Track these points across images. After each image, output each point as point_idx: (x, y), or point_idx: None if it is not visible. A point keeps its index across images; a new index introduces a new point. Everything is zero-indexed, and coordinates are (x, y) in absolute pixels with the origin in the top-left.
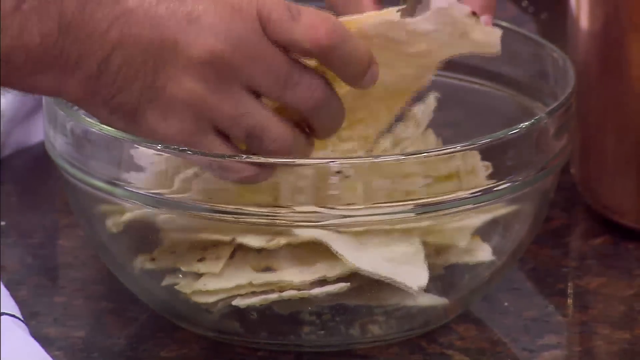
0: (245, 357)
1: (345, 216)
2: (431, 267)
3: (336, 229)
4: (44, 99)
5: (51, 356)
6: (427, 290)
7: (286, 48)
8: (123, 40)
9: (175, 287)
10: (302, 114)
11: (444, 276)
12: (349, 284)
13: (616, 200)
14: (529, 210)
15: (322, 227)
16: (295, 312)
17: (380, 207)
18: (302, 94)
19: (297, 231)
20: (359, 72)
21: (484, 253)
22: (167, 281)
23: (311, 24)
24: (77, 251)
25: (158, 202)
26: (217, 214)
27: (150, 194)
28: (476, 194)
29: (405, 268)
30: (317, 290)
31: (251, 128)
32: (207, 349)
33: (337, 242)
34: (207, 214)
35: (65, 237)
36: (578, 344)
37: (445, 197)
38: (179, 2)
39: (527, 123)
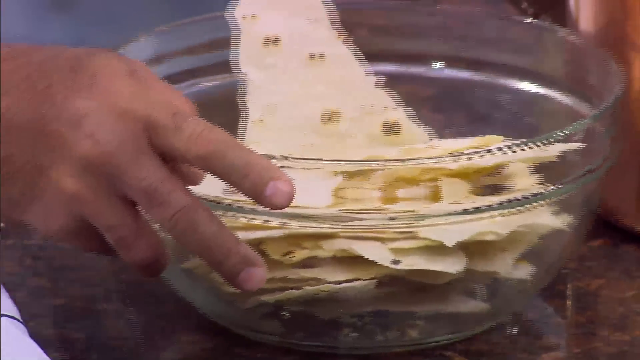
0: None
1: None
2: (477, 275)
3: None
4: None
5: (50, 358)
6: (470, 296)
7: (169, 156)
8: (7, 135)
9: (211, 274)
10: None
11: (488, 284)
12: (375, 280)
13: (615, 201)
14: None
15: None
16: (336, 317)
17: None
18: (164, 215)
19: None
20: (251, 185)
21: (523, 272)
22: (187, 264)
23: (193, 133)
24: (76, 253)
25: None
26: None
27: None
28: (524, 198)
29: (441, 258)
30: (343, 286)
31: (121, 239)
32: (207, 350)
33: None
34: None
35: None
36: (577, 345)
37: (492, 198)
38: (66, 100)
39: (576, 124)
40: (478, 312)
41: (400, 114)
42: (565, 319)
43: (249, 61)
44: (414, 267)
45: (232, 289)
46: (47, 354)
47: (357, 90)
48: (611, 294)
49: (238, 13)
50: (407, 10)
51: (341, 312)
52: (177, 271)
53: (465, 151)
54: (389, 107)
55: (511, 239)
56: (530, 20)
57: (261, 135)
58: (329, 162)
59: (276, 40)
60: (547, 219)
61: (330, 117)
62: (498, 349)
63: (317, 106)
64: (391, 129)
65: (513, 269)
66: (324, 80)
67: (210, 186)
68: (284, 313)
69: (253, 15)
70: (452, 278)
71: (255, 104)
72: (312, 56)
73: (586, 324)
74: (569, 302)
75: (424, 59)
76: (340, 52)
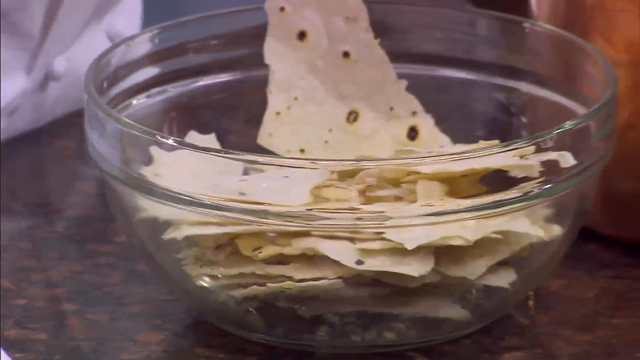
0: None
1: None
2: (452, 280)
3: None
4: (85, 98)
5: (12, 359)
6: (451, 301)
7: None
8: None
9: (184, 267)
10: None
11: (468, 290)
12: (340, 280)
13: None
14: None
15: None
16: (317, 316)
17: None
18: None
19: (295, 241)
20: None
21: (503, 280)
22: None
23: None
24: (40, 253)
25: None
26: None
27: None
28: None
29: (407, 260)
30: (307, 284)
31: None
32: (167, 351)
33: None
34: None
35: (27, 240)
36: (540, 345)
37: (491, 197)
38: None
39: (570, 122)
40: (457, 318)
41: (427, 121)
42: (528, 319)
43: (275, 53)
44: (377, 269)
45: (204, 283)
46: (9, 355)
47: (387, 93)
48: (573, 294)
49: (268, 5)
50: (397, 9)
51: (324, 311)
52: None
53: (441, 155)
54: (418, 113)
55: (484, 245)
56: (522, 19)
57: (277, 127)
58: (298, 160)
59: (307, 35)
60: (524, 226)
61: (356, 117)
62: (460, 349)
63: (344, 105)
64: (417, 134)
65: (495, 276)
66: (354, 80)
67: (185, 183)
68: (251, 309)
69: (282, 8)
70: (424, 282)
71: (276, 96)
72: (345, 55)
73: (549, 324)
74: (531, 302)
75: (415, 58)
76: (375, 54)
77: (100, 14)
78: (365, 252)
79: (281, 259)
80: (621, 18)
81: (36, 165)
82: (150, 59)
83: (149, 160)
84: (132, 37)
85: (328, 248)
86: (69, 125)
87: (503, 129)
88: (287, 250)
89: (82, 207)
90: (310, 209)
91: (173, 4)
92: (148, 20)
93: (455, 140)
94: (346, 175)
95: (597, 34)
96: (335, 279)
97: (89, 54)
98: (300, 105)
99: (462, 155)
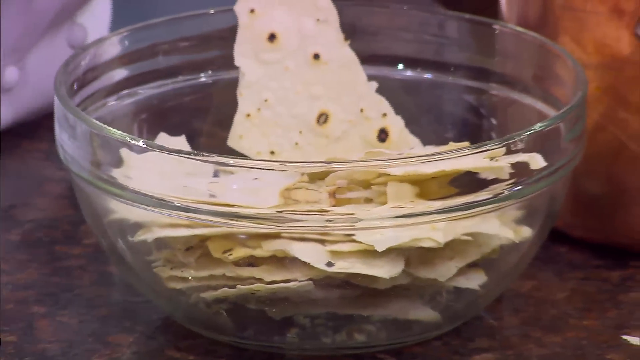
0: None
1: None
2: (422, 282)
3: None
4: (55, 100)
5: None
6: (422, 303)
7: None
8: None
9: (154, 269)
10: None
11: (438, 292)
12: (310, 282)
13: None
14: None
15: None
16: (288, 317)
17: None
18: None
19: (265, 243)
20: None
21: (473, 281)
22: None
23: None
24: (8, 256)
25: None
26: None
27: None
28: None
29: (377, 262)
30: (277, 286)
31: None
32: (137, 353)
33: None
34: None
35: None
36: (509, 347)
37: (462, 199)
38: None
39: (540, 124)
40: (427, 320)
41: (398, 123)
42: (498, 321)
43: (245, 55)
44: (347, 270)
45: (175, 285)
46: None
47: (357, 95)
48: (543, 296)
49: (238, 6)
50: (367, 11)
51: (294, 312)
52: (128, 267)
53: (412, 156)
54: (388, 114)
55: (455, 247)
56: (492, 21)
57: (247, 129)
58: (269, 162)
59: (278, 37)
60: (494, 228)
61: (326, 118)
62: (430, 351)
63: (314, 106)
64: (387, 136)
65: (465, 277)
66: (324, 82)
67: (156, 185)
68: (221, 311)
69: (252, 10)
70: (394, 284)
71: (246, 98)
72: (315, 56)
73: (519, 326)
74: (501, 304)
75: (385, 60)
76: (345, 55)
77: (60, 23)
78: (336, 254)
79: (251, 261)
80: (590, 20)
81: (5, 167)
82: (120, 60)
83: (119, 162)
84: (102, 39)
85: (298, 250)
86: (39, 127)
87: (473, 131)
88: (257, 252)
89: (52, 209)
90: (281, 211)
91: (142, 6)
92: (117, 21)
93: (426, 142)
94: (316, 177)
95: (567, 35)
96: (305, 280)
97: (47, 64)
98: (270, 107)
99: (432, 157)
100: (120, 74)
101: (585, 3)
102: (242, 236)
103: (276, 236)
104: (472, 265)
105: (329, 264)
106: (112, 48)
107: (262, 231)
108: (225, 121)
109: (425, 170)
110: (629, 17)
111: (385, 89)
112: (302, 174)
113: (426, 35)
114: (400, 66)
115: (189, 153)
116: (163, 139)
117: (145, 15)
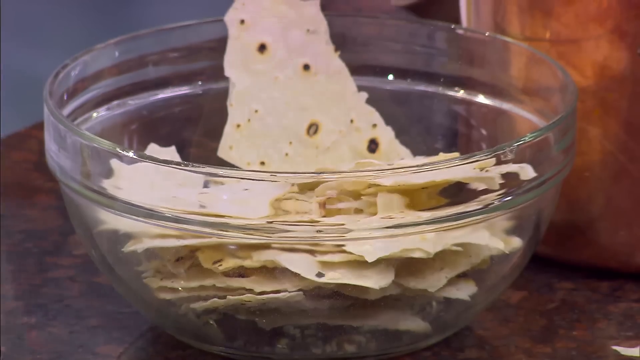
0: None
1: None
2: (411, 293)
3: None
4: (45, 111)
5: None
6: (412, 313)
7: None
8: None
9: (144, 280)
10: None
11: (429, 302)
12: (300, 293)
13: None
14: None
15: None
16: (278, 328)
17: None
18: None
19: (255, 254)
20: None
21: (463, 292)
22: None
23: None
24: None
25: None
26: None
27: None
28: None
29: (367, 273)
30: (267, 297)
31: None
32: None
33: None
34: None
35: None
36: (499, 357)
37: (452, 209)
38: None
39: (530, 135)
40: (417, 331)
41: (388, 133)
42: (487, 331)
43: (234, 66)
44: (337, 281)
45: (165, 296)
46: None
47: (347, 106)
48: (533, 307)
49: (228, 17)
50: (357, 22)
51: (284, 323)
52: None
53: (402, 167)
54: (378, 125)
55: (445, 257)
56: (482, 32)
57: (237, 140)
58: (259, 172)
59: (268, 48)
60: (484, 239)
61: (316, 129)
62: None
63: (304, 117)
64: (377, 147)
65: (455, 288)
66: (314, 93)
67: (146, 195)
68: (211, 322)
69: (242, 21)
70: (384, 294)
71: (236, 109)
72: (305, 67)
73: (508, 336)
74: (491, 314)
75: (375, 71)
76: (335, 66)
77: None
78: (326, 264)
79: (241, 272)
80: (588, 44)
81: None
82: (110, 71)
83: (109, 173)
84: (92, 50)
85: (288, 260)
86: (28, 138)
87: (463, 142)
88: (247, 263)
89: (41, 219)
90: (271, 222)
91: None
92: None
93: (415, 152)
94: (306, 188)
95: (562, 60)
96: (295, 291)
97: None
98: (260, 118)
99: (422, 167)
100: (110, 84)
101: (583, 29)
102: (232, 247)
103: (266, 247)
104: (462, 276)
105: (319, 275)
106: (102, 59)
107: (252, 242)
108: (215, 132)
109: (415, 180)
110: (631, 38)
111: (375, 99)
112: (292, 185)
113: (416, 46)
114: (390, 77)
115: (179, 164)
116: (153, 149)
117: (135, 26)
